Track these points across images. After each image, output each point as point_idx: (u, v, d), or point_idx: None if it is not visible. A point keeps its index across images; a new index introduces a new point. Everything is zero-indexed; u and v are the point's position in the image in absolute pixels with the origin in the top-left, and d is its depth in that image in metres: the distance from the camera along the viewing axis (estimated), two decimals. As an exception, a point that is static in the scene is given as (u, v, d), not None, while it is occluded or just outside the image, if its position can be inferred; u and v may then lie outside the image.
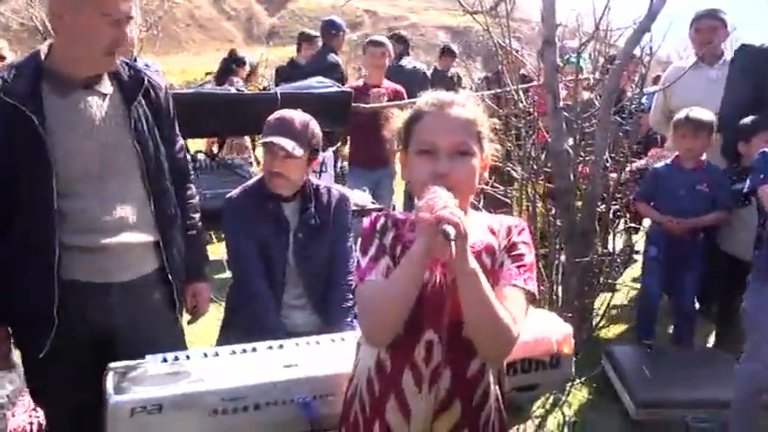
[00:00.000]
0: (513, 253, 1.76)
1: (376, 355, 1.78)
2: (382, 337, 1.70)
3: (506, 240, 1.77)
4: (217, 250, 4.97)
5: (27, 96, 2.27)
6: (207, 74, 14.83)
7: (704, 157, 4.42)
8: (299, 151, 2.90)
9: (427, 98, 1.79)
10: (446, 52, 9.51)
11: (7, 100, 2.24)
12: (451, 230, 1.51)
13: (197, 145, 3.91)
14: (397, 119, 1.83)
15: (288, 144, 2.89)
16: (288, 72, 7.22)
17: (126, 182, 2.45)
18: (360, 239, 1.80)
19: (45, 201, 2.28)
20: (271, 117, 3.02)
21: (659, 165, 4.63)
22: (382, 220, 1.81)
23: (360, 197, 4.17)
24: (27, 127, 2.25)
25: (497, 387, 1.84)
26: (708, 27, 4.92)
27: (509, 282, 1.71)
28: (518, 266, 1.74)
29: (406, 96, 5.79)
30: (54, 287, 2.32)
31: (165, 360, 2.18)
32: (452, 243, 1.50)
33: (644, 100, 5.16)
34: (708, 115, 4.36)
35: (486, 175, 1.82)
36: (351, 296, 2.96)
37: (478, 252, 1.74)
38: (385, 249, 1.75)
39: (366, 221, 1.82)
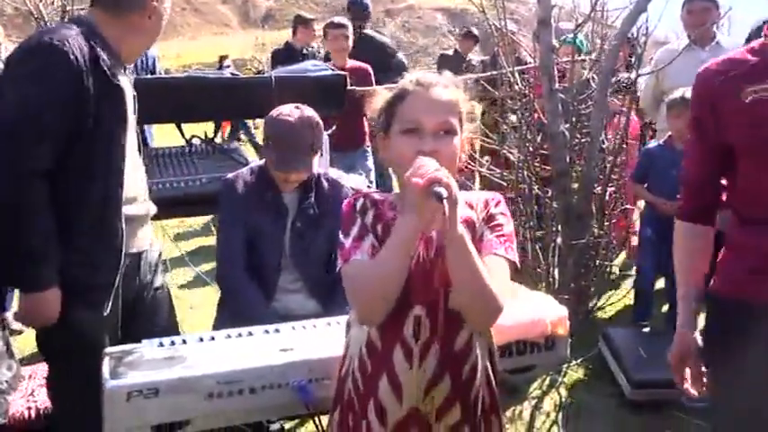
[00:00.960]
0: (492, 224, 1.79)
1: (366, 334, 1.80)
2: (376, 316, 1.71)
3: (484, 213, 1.81)
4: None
5: (112, 66, 2.34)
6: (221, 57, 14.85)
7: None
8: (311, 169, 2.94)
9: (411, 78, 1.80)
10: (467, 36, 8.92)
11: (103, 68, 2.29)
12: (443, 191, 1.52)
13: (192, 129, 3.88)
14: (380, 98, 1.84)
15: (300, 174, 2.94)
16: (284, 55, 7.18)
17: (135, 154, 2.52)
18: (341, 221, 1.81)
19: (118, 169, 2.37)
20: (272, 124, 2.96)
21: (652, 145, 4.63)
22: (361, 200, 1.83)
23: (356, 181, 4.16)
24: (116, 96, 2.35)
25: (489, 364, 1.86)
26: (700, 8, 4.90)
27: (490, 251, 1.74)
28: (498, 236, 1.77)
29: (372, 72, 5.78)
30: (121, 250, 2.40)
31: (161, 345, 2.19)
32: (444, 202, 1.51)
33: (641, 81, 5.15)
34: None
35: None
36: None
37: None
38: (367, 228, 1.77)
39: (345, 203, 1.84)
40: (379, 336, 1.79)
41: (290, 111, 2.98)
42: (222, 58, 14.87)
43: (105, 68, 2.30)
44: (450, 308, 1.71)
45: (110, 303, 2.39)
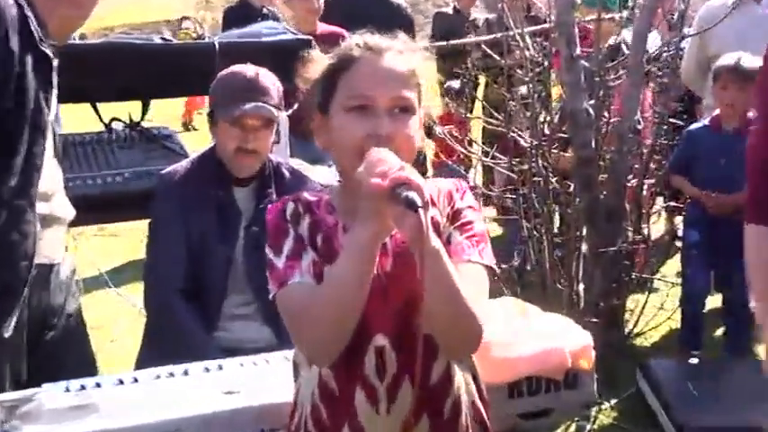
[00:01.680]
0: (460, 222, 1.80)
1: (317, 375, 1.80)
2: (330, 354, 1.70)
3: (449, 208, 1.81)
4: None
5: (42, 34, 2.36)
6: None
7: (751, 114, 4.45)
8: (277, 115, 2.97)
9: (357, 41, 1.79)
10: None
11: (31, 29, 2.31)
12: (416, 197, 1.50)
13: (112, 110, 3.87)
14: (315, 66, 1.82)
15: (268, 111, 2.95)
16: (238, 15, 7.16)
17: (50, 137, 2.52)
18: (267, 235, 1.80)
19: (39, 154, 2.38)
20: (226, 77, 3.02)
21: (695, 126, 4.65)
22: (291, 205, 1.81)
23: (323, 174, 4.15)
24: (44, 67, 2.37)
25: (476, 395, 1.87)
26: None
27: (461, 258, 1.74)
28: (469, 237, 1.78)
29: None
30: (33, 254, 2.38)
31: (68, 389, 2.16)
32: (420, 212, 1.48)
33: (684, 45, 5.17)
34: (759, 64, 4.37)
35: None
36: None
37: None
38: (304, 241, 1.76)
39: (270, 210, 1.83)
40: (333, 375, 1.78)
41: (244, 67, 3.02)
42: (183, 19, 14.86)
43: (34, 30, 2.31)
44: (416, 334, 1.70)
45: (13, 320, 2.37)
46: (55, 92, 2.49)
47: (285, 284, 1.71)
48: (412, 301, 1.67)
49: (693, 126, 4.67)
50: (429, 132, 6.75)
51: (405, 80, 1.76)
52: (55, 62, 2.48)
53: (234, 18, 7.09)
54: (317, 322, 1.65)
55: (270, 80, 3.02)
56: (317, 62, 1.83)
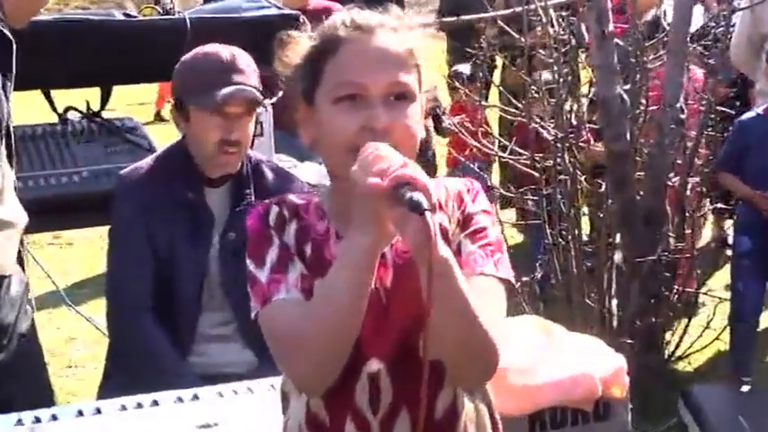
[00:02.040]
0: (472, 228, 1.79)
1: (305, 404, 1.80)
2: (322, 382, 1.69)
3: (459, 212, 1.81)
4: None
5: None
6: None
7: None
8: (260, 98, 2.99)
9: (343, 18, 1.77)
10: None
11: None
12: (422, 198, 1.49)
13: (67, 99, 3.88)
14: (297, 49, 1.81)
15: (251, 93, 2.95)
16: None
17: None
18: (248, 243, 1.79)
19: None
20: (194, 60, 3.02)
21: (748, 116, 4.66)
22: (275, 209, 1.80)
23: (311, 172, 4.16)
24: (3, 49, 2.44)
25: (491, 428, 1.87)
26: None
27: (473, 270, 1.73)
28: (483, 246, 1.77)
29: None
30: None
31: (20, 422, 2.18)
32: (427, 216, 1.48)
33: (735, 20, 5.19)
34: None
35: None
36: None
37: None
38: (290, 250, 1.76)
39: (250, 215, 1.81)
40: (323, 405, 1.77)
41: (215, 46, 3.03)
42: None
43: None
44: (422, 356, 1.68)
45: None
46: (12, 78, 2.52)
47: (269, 301, 1.70)
48: (414, 320, 1.67)
49: (745, 115, 4.69)
50: (437, 126, 6.78)
51: (401, 62, 1.74)
52: (14, 45, 2.50)
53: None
54: (307, 345, 1.65)
55: (245, 60, 3.02)
56: (299, 44, 1.80)
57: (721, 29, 4.90)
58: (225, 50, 3.01)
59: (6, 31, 2.44)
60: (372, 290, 1.67)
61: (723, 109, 4.99)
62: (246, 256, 1.77)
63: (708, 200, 5.52)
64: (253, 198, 3.02)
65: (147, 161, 3.10)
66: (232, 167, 3.01)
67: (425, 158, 6.46)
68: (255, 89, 2.99)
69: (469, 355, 1.66)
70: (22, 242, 2.92)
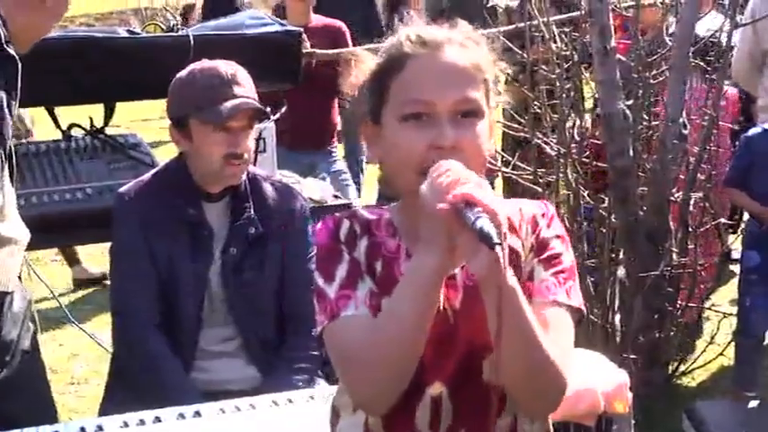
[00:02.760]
0: (546, 254, 1.77)
1: (362, 423, 1.78)
2: (386, 400, 1.67)
3: (533, 237, 1.78)
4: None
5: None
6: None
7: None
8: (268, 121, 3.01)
9: (408, 34, 1.76)
10: None
11: None
12: (492, 228, 1.47)
13: (71, 115, 3.89)
14: (362, 67, 1.81)
15: (255, 105, 2.97)
16: (218, 4, 7.18)
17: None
18: (316, 257, 1.78)
19: None
20: (193, 76, 3.02)
21: (754, 131, 4.67)
22: (346, 224, 1.78)
23: (314, 188, 4.17)
24: (9, 69, 2.46)
25: None
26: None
27: (547, 299, 1.73)
28: (555, 274, 1.75)
29: (347, 32, 5.81)
30: None
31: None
32: (497, 248, 1.45)
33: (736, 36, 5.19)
34: None
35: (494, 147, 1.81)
36: (311, 349, 2.98)
37: None
38: (360, 267, 1.74)
39: (320, 229, 1.79)
40: (382, 425, 1.76)
41: (212, 62, 3.04)
42: (188, 9, 14.23)
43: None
44: (483, 382, 1.69)
45: None
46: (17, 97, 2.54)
47: (337, 317, 1.68)
48: (480, 344, 1.67)
49: (751, 131, 4.69)
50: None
51: (469, 78, 1.72)
52: (20, 65, 2.52)
53: (215, 6, 7.10)
54: (372, 363, 1.63)
55: (243, 73, 3.03)
56: (364, 63, 1.81)
57: (724, 44, 4.91)
58: (222, 65, 3.02)
59: (12, 50, 2.45)
60: (440, 310, 1.67)
61: (725, 124, 5.00)
62: (315, 269, 1.76)
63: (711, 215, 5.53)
64: (252, 212, 3.02)
65: (145, 178, 3.09)
66: (237, 179, 3.01)
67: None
68: (256, 101, 3.00)
69: (536, 387, 1.66)
70: (24, 258, 2.92)
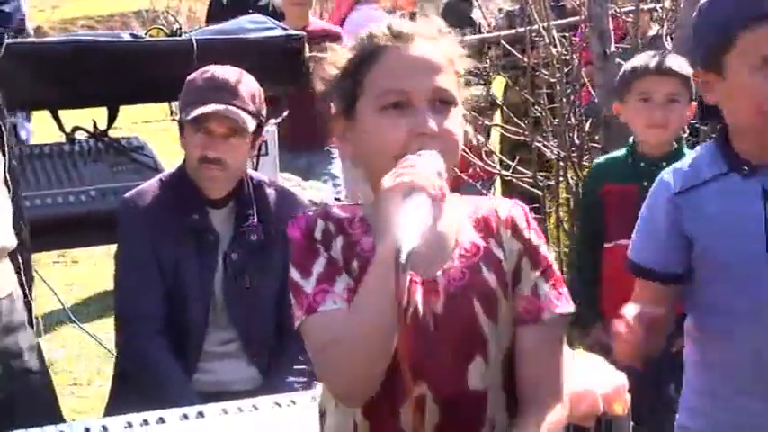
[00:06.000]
0: (543, 267, 1.79)
1: (351, 424, 1.77)
2: (362, 392, 1.68)
3: (519, 243, 1.80)
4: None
5: None
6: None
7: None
8: (250, 124, 2.96)
9: (381, 28, 1.77)
10: None
11: None
12: (405, 249, 1.48)
13: (75, 118, 3.89)
14: (334, 60, 1.81)
15: (235, 113, 2.94)
16: (220, 9, 7.15)
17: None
18: (291, 254, 1.77)
19: None
20: (193, 77, 3.05)
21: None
22: (320, 223, 1.77)
23: (318, 191, 4.18)
24: None
25: None
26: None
27: (553, 312, 1.76)
28: (554, 285, 1.79)
29: (345, 39, 5.82)
30: None
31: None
32: (402, 270, 1.48)
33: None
34: None
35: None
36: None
37: (473, 264, 1.75)
38: (337, 264, 1.74)
39: (293, 227, 1.78)
40: (368, 425, 1.75)
41: (218, 66, 3.05)
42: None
43: None
44: (470, 389, 1.72)
45: None
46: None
47: (314, 311, 1.68)
48: (463, 350, 1.69)
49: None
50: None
51: (442, 69, 1.74)
52: None
53: (221, 9, 7.05)
54: (348, 354, 1.63)
55: (244, 82, 3.03)
56: (336, 55, 1.81)
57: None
58: (222, 71, 3.04)
59: None
60: (420, 314, 1.69)
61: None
62: (291, 265, 1.75)
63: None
64: (255, 219, 3.03)
65: (151, 183, 3.11)
66: (216, 185, 3.01)
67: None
68: (245, 111, 2.97)
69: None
70: (28, 262, 2.93)
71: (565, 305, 1.77)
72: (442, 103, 1.72)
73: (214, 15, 6.92)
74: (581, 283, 3.51)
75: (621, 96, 3.46)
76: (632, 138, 3.47)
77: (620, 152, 3.51)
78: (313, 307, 1.69)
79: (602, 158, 3.61)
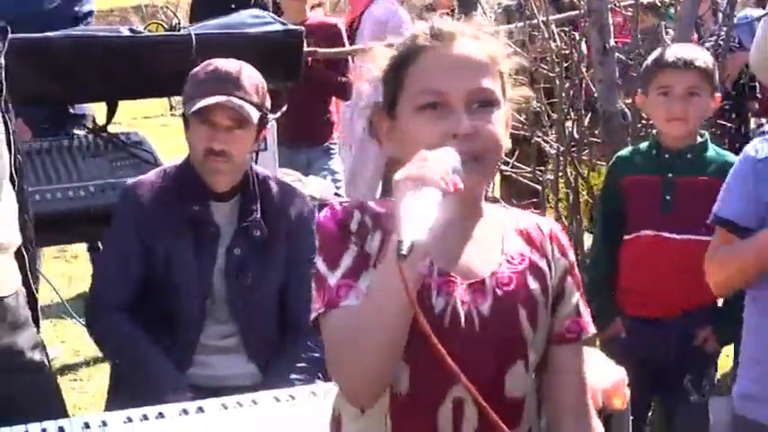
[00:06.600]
0: (576, 280, 1.84)
1: (382, 425, 1.74)
2: (371, 392, 1.67)
3: (565, 259, 1.83)
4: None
5: None
6: None
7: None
8: (254, 115, 2.97)
9: (423, 27, 1.78)
10: None
11: None
12: (406, 240, 1.46)
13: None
14: (377, 60, 1.82)
15: (238, 105, 2.94)
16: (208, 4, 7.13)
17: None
18: (320, 243, 1.75)
19: None
20: (196, 70, 3.06)
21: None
22: (356, 215, 1.75)
23: (319, 187, 4.17)
24: None
25: None
26: None
27: (589, 332, 1.82)
28: (585, 305, 1.85)
29: (343, 32, 5.82)
30: None
31: (27, 435, 2.19)
32: (402, 261, 1.46)
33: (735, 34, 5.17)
34: None
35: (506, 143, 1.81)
36: (311, 351, 2.98)
37: (520, 271, 1.77)
38: (368, 260, 1.71)
39: (326, 216, 1.76)
40: (395, 427, 1.72)
41: (222, 60, 3.06)
42: None
43: None
44: (506, 393, 1.73)
45: None
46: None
47: (335, 306, 1.66)
48: (508, 352, 1.71)
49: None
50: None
51: (483, 69, 1.74)
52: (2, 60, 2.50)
53: (202, 6, 7.03)
54: (361, 351, 1.61)
55: (247, 74, 3.04)
56: (378, 56, 1.82)
57: (721, 44, 4.89)
58: (225, 63, 3.04)
59: None
60: (466, 312, 1.70)
61: (721, 122, 4.98)
62: (318, 254, 1.73)
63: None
64: (259, 214, 3.03)
65: (155, 173, 3.12)
66: (221, 178, 3.01)
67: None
68: (249, 103, 2.98)
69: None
70: (33, 258, 2.92)
71: (592, 324, 1.83)
72: (482, 104, 1.72)
73: (197, 9, 6.90)
74: (599, 279, 3.52)
75: (645, 89, 3.50)
76: (655, 130, 3.54)
77: (644, 144, 3.56)
78: (335, 301, 1.67)
79: (625, 151, 3.63)
